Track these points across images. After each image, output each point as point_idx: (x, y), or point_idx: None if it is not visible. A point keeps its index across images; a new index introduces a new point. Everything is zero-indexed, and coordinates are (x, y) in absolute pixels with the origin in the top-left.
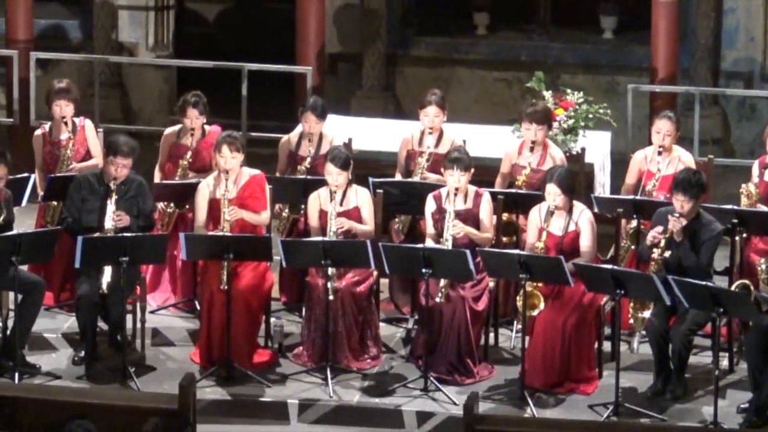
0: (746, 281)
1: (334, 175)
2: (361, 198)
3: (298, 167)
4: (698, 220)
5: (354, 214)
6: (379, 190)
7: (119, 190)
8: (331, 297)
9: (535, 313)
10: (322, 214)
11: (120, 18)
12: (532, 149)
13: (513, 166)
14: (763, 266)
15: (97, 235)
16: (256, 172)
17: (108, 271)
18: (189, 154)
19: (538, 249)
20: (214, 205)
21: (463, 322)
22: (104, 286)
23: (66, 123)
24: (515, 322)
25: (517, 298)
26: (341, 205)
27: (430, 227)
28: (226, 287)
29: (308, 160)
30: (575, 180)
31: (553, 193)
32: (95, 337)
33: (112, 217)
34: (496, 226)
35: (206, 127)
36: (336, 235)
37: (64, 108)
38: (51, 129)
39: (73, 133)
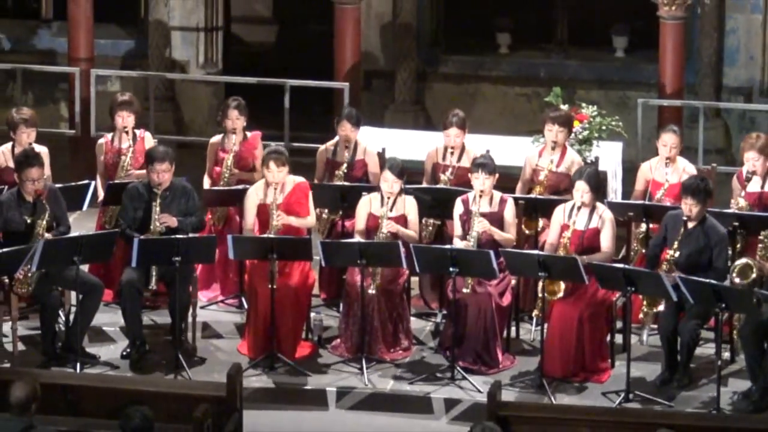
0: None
1: (390, 182)
2: (409, 206)
3: (335, 173)
4: (705, 223)
5: (401, 221)
6: (410, 196)
7: (163, 195)
8: (372, 291)
9: (560, 295)
10: (371, 218)
11: (173, 38)
12: (553, 149)
13: (533, 171)
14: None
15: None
16: (300, 179)
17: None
18: (231, 156)
19: (564, 239)
20: (262, 210)
21: (489, 315)
22: (153, 282)
23: (127, 132)
24: (534, 315)
25: (539, 286)
26: (391, 211)
27: (457, 228)
28: (272, 285)
29: (344, 165)
30: (601, 179)
31: (581, 190)
32: (138, 323)
33: (158, 219)
34: (516, 227)
35: (247, 133)
36: (385, 237)
37: (126, 119)
38: (113, 138)
39: (133, 143)
